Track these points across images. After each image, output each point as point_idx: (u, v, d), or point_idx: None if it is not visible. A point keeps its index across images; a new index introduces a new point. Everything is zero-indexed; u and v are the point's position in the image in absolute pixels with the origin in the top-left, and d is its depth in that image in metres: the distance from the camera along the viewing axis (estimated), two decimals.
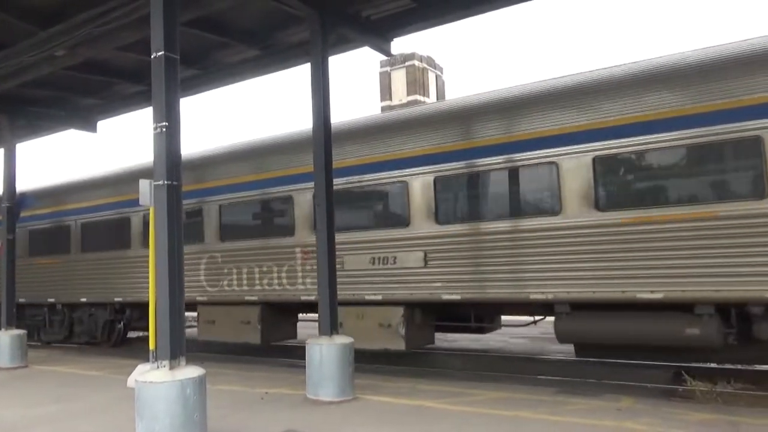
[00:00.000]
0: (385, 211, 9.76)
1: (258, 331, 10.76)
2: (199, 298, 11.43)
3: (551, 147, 8.07)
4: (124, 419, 6.57)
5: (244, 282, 10.80)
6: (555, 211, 8.02)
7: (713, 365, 9.04)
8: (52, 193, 15.08)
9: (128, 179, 12.52)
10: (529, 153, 8.24)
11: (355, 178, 9.72)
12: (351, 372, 7.57)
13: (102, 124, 13.33)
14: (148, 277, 11.63)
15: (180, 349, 5.63)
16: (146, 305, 12.32)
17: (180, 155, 5.96)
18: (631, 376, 8.95)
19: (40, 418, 7.11)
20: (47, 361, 11.82)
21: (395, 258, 9.18)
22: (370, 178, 9.62)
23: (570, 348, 11.74)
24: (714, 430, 5.67)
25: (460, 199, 9.04)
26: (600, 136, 7.72)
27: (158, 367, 5.55)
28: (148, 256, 11.54)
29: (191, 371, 5.54)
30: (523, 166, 8.35)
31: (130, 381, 8.56)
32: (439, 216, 8.96)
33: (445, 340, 14.04)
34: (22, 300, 14.55)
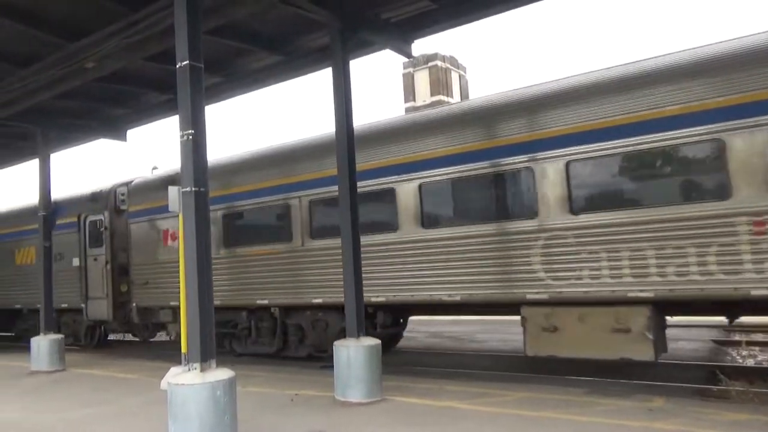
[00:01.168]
0: None
1: (649, 343, 7.38)
2: (530, 296, 8.20)
3: None
4: (156, 422, 6.73)
5: (626, 271, 7.45)
6: None
7: (750, 364, 8.81)
8: (259, 163, 11.60)
9: (390, 134, 9.76)
10: None
11: None
12: (379, 373, 7.61)
13: (131, 133, 13.62)
14: (420, 267, 9.32)
15: (210, 352, 5.76)
16: (413, 305, 9.95)
17: (206, 162, 6.09)
18: (664, 376, 8.78)
19: (73, 422, 7.32)
20: (84, 365, 12.13)
21: None
22: None
23: None
24: (747, 431, 5.54)
25: None
26: None
27: (189, 369, 5.68)
28: (428, 240, 9.34)
29: (221, 373, 5.66)
30: None
31: (163, 383, 8.75)
32: None
33: (474, 340, 13.99)
34: (217, 302, 11.13)
